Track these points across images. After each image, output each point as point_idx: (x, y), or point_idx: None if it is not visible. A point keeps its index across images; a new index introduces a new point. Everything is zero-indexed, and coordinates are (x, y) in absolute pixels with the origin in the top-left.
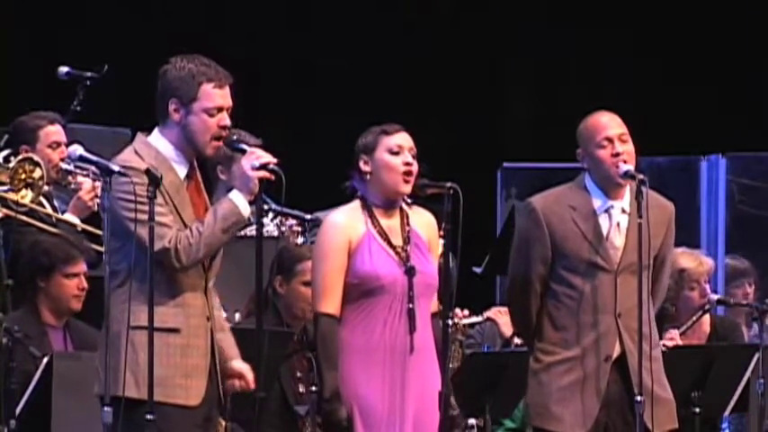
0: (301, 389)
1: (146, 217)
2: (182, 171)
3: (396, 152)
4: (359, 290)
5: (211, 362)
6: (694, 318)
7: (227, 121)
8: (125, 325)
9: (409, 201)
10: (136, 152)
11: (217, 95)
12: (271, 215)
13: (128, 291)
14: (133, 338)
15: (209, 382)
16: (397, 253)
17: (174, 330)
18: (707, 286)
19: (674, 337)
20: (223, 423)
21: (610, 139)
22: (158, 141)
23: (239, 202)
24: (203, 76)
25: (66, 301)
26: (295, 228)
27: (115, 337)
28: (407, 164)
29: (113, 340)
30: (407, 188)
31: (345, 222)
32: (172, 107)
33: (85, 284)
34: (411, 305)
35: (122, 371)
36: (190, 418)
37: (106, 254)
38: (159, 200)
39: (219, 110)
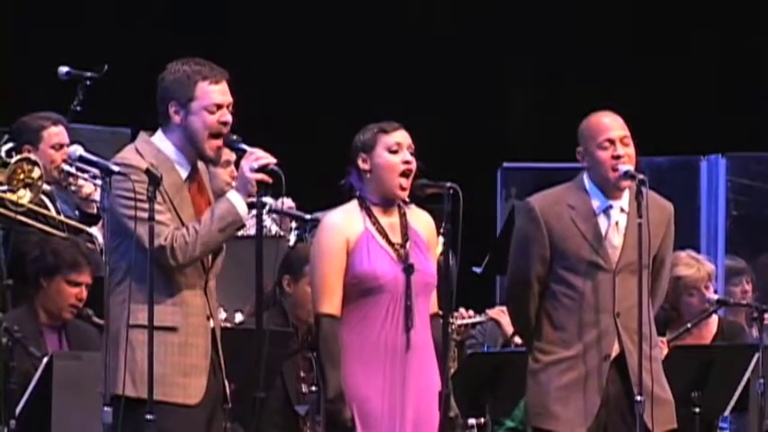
0: (304, 389)
1: (144, 215)
2: (183, 172)
3: (395, 150)
4: (357, 289)
5: (215, 359)
6: (689, 324)
7: (228, 118)
8: (123, 323)
9: (408, 200)
10: (137, 150)
11: (214, 92)
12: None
13: (126, 289)
14: (131, 337)
15: (212, 380)
16: (395, 251)
17: (172, 329)
18: (706, 291)
19: (660, 346)
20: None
21: (611, 141)
22: (161, 142)
23: (237, 202)
24: (198, 75)
25: (60, 308)
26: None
27: (113, 335)
28: (406, 162)
29: (112, 339)
30: (404, 194)
31: (342, 222)
32: (172, 110)
33: (84, 296)
34: (409, 302)
35: (120, 369)
36: (190, 417)
37: (106, 254)
38: (158, 198)
39: (219, 107)
